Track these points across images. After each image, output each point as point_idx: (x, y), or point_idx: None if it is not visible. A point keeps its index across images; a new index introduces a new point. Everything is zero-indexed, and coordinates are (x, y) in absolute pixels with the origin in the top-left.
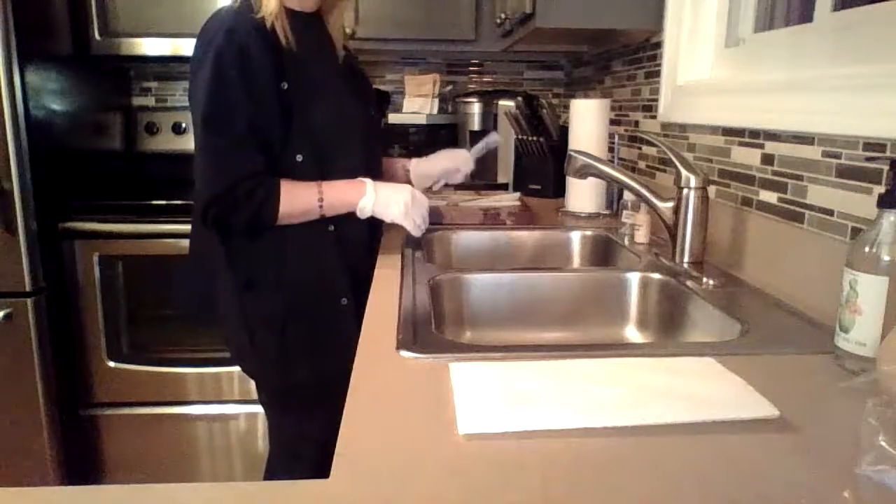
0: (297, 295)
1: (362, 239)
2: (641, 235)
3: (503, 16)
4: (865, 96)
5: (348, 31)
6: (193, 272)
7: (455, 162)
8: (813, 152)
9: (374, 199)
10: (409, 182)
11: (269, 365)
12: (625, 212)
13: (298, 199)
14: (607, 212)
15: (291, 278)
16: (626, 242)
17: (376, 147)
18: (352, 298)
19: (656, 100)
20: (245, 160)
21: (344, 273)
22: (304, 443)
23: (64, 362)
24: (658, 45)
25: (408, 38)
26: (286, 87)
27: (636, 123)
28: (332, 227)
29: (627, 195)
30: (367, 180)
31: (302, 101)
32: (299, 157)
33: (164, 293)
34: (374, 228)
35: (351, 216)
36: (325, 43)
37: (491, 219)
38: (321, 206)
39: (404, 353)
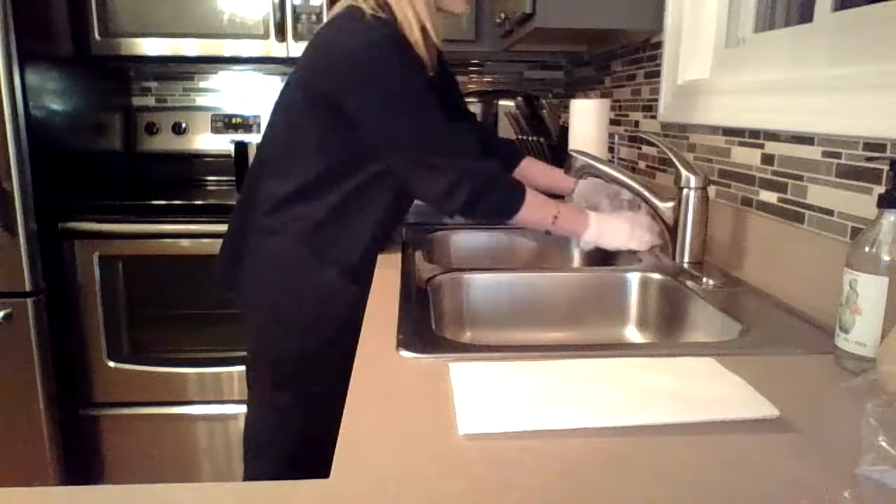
0: (303, 330)
1: None
2: None
3: (503, 16)
4: (865, 96)
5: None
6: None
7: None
8: (813, 152)
9: (597, 230)
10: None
11: (261, 356)
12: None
13: (538, 205)
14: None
15: (302, 315)
16: None
17: None
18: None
19: (656, 100)
20: (464, 138)
21: (355, 331)
22: (273, 435)
23: (64, 362)
24: (658, 45)
25: None
26: None
27: (636, 123)
28: (354, 287)
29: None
30: (592, 213)
31: None
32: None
33: (164, 293)
34: None
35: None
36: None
37: None
38: (554, 220)
39: (404, 353)
